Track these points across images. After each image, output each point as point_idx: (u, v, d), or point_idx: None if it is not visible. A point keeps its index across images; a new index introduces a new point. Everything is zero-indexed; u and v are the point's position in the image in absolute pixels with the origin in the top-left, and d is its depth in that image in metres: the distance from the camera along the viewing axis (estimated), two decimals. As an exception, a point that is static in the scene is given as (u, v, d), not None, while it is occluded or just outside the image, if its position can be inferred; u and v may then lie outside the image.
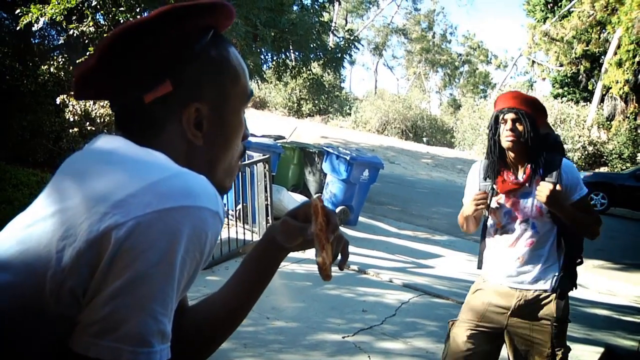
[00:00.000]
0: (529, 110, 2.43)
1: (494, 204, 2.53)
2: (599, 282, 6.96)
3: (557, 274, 2.50)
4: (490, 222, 2.59)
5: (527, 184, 2.46)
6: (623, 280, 7.47)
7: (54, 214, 0.75)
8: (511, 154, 2.47)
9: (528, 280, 2.50)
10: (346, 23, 41.49)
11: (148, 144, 0.83)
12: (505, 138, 2.42)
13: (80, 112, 7.81)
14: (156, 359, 0.70)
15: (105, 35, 7.83)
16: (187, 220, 0.72)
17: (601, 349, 4.50)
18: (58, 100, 7.73)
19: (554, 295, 2.49)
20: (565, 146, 24.14)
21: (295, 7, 12.25)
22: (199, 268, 0.76)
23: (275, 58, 12.29)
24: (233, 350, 3.70)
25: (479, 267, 2.71)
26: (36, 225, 0.75)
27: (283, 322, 4.33)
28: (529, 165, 2.45)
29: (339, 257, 0.99)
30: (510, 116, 2.41)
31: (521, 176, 2.47)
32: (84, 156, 0.84)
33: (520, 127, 2.40)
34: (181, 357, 0.92)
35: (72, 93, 0.94)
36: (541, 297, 2.48)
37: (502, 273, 2.54)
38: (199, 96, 0.86)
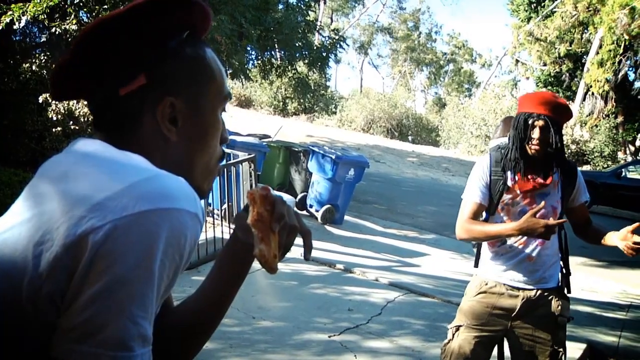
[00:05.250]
0: (558, 118, 2.42)
1: (507, 201, 2.49)
2: (582, 279, 7.03)
3: (559, 272, 2.55)
4: (494, 221, 2.55)
5: (549, 185, 2.47)
6: (605, 277, 7.55)
7: (30, 219, 0.74)
8: (536, 158, 2.45)
9: (534, 280, 2.50)
10: (332, 22, 41.50)
11: (125, 140, 0.83)
12: (534, 146, 2.40)
13: (63, 112, 7.73)
14: None
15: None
16: (165, 222, 0.71)
17: (583, 345, 4.55)
18: (40, 99, 7.63)
19: (556, 293, 2.52)
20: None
21: (280, 6, 12.24)
22: (179, 270, 0.76)
23: (260, 57, 12.27)
24: (219, 351, 3.68)
25: (476, 266, 2.69)
26: (11, 231, 0.74)
27: (269, 321, 4.32)
28: (554, 169, 2.47)
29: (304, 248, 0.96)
30: (539, 124, 2.38)
31: (544, 178, 2.46)
32: (61, 160, 0.83)
33: (548, 136, 2.38)
34: (165, 358, 0.91)
35: (50, 93, 0.93)
36: (544, 296, 2.50)
37: (509, 274, 2.52)
38: (174, 91, 0.86)
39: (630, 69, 26.17)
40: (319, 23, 15.66)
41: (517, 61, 32.67)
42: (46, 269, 0.70)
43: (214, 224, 5.98)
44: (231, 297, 0.97)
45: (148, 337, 0.71)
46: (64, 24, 7.79)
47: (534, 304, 2.49)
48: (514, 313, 2.50)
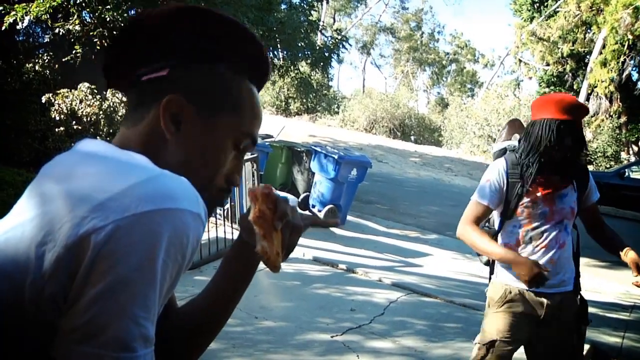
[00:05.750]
0: (581, 121, 2.42)
1: (527, 204, 2.46)
2: (585, 280, 7.00)
3: (574, 274, 2.54)
4: (511, 225, 2.51)
5: (568, 186, 2.48)
6: (608, 278, 7.54)
7: (32, 219, 0.74)
8: (558, 161, 2.43)
9: (556, 284, 2.47)
10: (334, 22, 41.50)
11: (133, 126, 0.87)
12: (563, 153, 2.37)
13: (66, 111, 7.74)
14: None
15: (91, 33, 7.76)
16: (167, 222, 0.71)
17: (587, 346, 4.54)
18: (43, 99, 7.65)
19: (575, 296, 2.51)
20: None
21: (283, 6, 12.23)
22: (181, 270, 0.75)
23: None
24: (222, 351, 3.68)
25: (492, 272, 2.63)
26: (14, 231, 0.74)
27: (272, 321, 4.32)
28: (571, 169, 2.47)
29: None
30: (572, 132, 2.35)
31: (563, 179, 2.46)
32: (64, 159, 0.84)
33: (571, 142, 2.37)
34: (170, 358, 0.91)
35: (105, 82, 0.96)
36: (566, 299, 2.48)
37: None
38: (189, 96, 0.87)
39: (634, 68, 26.12)
40: (321, 23, 15.67)
41: (520, 61, 32.59)
42: (49, 270, 0.70)
43: (216, 224, 5.98)
44: (237, 298, 0.97)
45: (150, 338, 0.71)
46: (67, 24, 7.80)
47: (558, 308, 2.46)
48: (540, 319, 2.47)
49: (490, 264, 2.67)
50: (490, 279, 2.67)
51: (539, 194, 2.44)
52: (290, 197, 7.23)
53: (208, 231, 5.71)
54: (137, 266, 0.69)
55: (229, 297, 0.97)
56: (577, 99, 2.51)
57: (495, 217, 2.62)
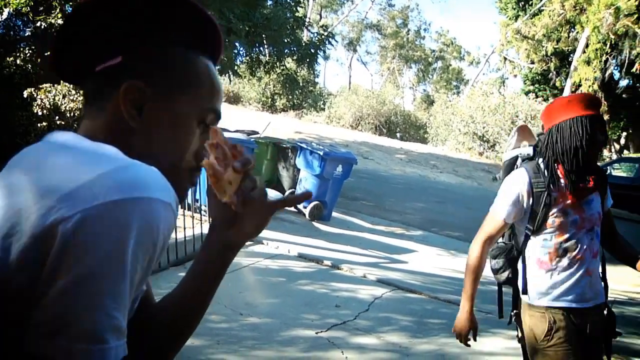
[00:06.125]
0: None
1: (558, 214, 2.28)
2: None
3: (603, 283, 2.41)
4: (541, 238, 2.32)
5: (595, 190, 2.35)
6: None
7: None
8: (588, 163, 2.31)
9: (593, 297, 2.33)
10: (320, 18, 41.43)
11: (95, 118, 0.85)
12: (596, 149, 2.27)
13: (49, 106, 7.63)
14: (111, 355, 0.67)
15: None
16: (136, 212, 0.69)
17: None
18: (25, 94, 7.55)
19: (606, 305, 2.40)
20: (535, 142, 24.61)
21: (269, 2, 12.20)
22: (153, 261, 0.74)
23: (248, 53, 12.22)
24: (206, 347, 3.67)
25: (525, 292, 2.38)
26: None
27: (257, 318, 4.31)
28: (593, 171, 2.34)
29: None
30: (600, 126, 2.26)
31: (588, 183, 2.32)
32: (32, 151, 0.82)
33: (602, 136, 2.28)
34: (147, 352, 0.89)
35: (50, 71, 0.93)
36: (599, 311, 2.37)
37: (572, 294, 2.30)
38: (148, 80, 0.85)
39: (616, 68, 26.42)
40: (307, 19, 15.62)
41: (505, 59, 32.83)
42: (15, 261, 0.68)
43: (201, 220, 5.95)
44: (211, 290, 0.94)
45: (122, 329, 0.69)
46: (49, 18, 7.70)
47: (596, 321, 2.34)
48: (589, 336, 2.31)
49: (511, 281, 2.49)
50: (516, 302, 2.46)
51: (568, 201, 2.28)
52: (274, 193, 7.20)
53: (193, 227, 5.68)
54: (106, 256, 0.67)
55: (203, 289, 0.93)
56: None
57: (518, 231, 2.43)
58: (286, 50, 12.20)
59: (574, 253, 2.28)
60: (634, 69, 24.24)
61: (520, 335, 2.45)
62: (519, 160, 2.52)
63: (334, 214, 8.43)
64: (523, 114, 24.33)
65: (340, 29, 44.31)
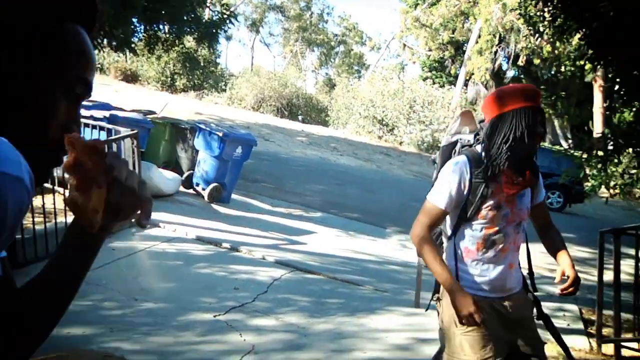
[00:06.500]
0: None
1: (492, 206, 2.26)
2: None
3: (528, 273, 2.49)
4: (470, 227, 2.32)
5: (532, 184, 2.34)
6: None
7: None
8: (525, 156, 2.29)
9: (514, 286, 2.38)
10: (222, -3, 40.56)
11: None
12: (535, 142, 2.23)
13: None
14: None
15: None
16: None
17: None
18: None
19: (527, 292, 2.46)
20: (431, 127, 25.31)
21: (168, -24, 11.76)
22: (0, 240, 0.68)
23: (146, 29, 11.75)
24: (98, 336, 3.53)
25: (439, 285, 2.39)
26: None
27: (152, 303, 4.20)
28: (530, 165, 2.30)
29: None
30: (539, 118, 2.22)
31: (524, 177, 2.28)
32: None
33: (542, 128, 2.24)
34: (11, 340, 0.83)
35: None
36: (522, 297, 2.42)
37: (495, 286, 2.34)
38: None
39: (504, 59, 28.03)
40: (208, -3, 15.26)
41: (405, 45, 33.86)
42: None
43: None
44: (79, 278, 0.87)
45: None
46: None
47: (518, 308, 2.38)
48: (512, 322, 2.35)
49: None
50: (438, 286, 2.43)
51: (503, 195, 2.26)
52: (172, 175, 7.00)
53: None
54: None
55: (67, 280, 0.86)
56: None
57: (449, 217, 2.40)
58: (186, 28, 11.85)
59: (501, 246, 2.30)
60: (520, 62, 25.85)
61: (441, 319, 2.42)
62: (458, 146, 2.50)
63: (234, 196, 8.35)
64: (421, 99, 25.24)
65: (243, 9, 43.67)
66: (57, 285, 0.86)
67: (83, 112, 5.07)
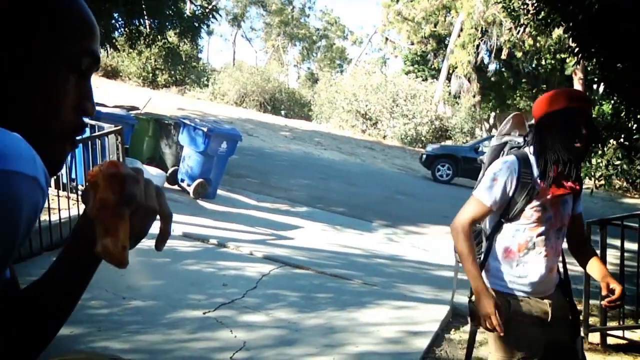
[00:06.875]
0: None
1: (537, 208, 2.28)
2: (444, 246, 7.51)
3: (564, 278, 2.51)
4: (513, 228, 2.33)
5: (577, 188, 2.32)
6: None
7: None
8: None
9: (551, 288, 2.41)
10: (203, -9, 40.26)
11: None
12: (581, 144, 2.22)
13: None
14: None
15: None
16: None
17: (447, 307, 4.86)
18: None
19: (562, 293, 2.47)
20: (414, 120, 25.47)
21: (149, -30, 11.61)
22: (13, 247, 0.64)
23: (128, 24, 11.60)
24: (86, 335, 3.47)
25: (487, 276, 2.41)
26: None
27: (140, 301, 4.15)
28: (577, 170, 2.28)
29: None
30: (581, 119, 2.21)
31: (574, 181, 2.28)
32: None
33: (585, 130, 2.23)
34: (15, 342, 0.80)
35: None
36: (558, 297, 2.43)
37: (533, 288, 2.35)
38: None
39: (487, 52, 28.23)
40: (190, -9, 15.13)
41: (387, 39, 33.91)
42: None
43: (77, 200, 5.60)
44: (81, 282, 0.85)
45: None
46: None
47: (556, 308, 2.38)
48: (548, 323, 2.36)
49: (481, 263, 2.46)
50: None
51: (549, 197, 2.27)
52: (157, 171, 6.93)
53: (69, 208, 5.34)
54: None
55: (71, 289, 0.84)
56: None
57: (490, 216, 2.40)
58: (168, 23, 11.71)
59: (542, 249, 2.31)
60: (502, 55, 26.05)
61: (474, 321, 2.40)
62: (507, 147, 2.51)
63: (219, 191, 8.30)
64: (403, 93, 25.32)
65: (225, 3, 43.45)
66: (62, 290, 0.83)
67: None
